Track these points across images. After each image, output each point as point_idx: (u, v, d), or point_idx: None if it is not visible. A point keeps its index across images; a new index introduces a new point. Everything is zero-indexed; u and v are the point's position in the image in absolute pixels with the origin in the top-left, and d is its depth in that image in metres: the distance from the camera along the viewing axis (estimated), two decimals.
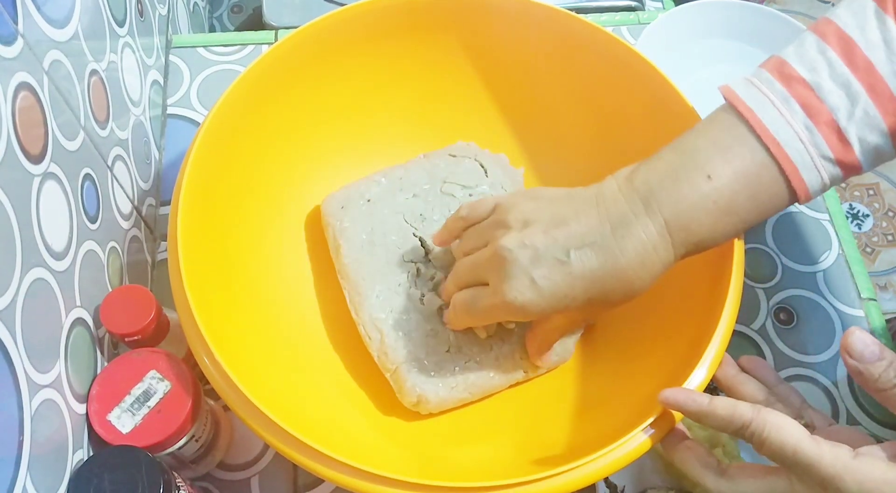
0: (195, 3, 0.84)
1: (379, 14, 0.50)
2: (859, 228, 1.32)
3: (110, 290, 0.44)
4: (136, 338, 0.41)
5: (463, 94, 0.55)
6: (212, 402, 0.46)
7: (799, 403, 0.39)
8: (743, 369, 0.41)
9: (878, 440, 0.51)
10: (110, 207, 0.46)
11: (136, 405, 0.39)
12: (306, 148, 0.52)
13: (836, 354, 0.54)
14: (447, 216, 0.50)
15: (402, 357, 0.44)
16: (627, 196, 0.37)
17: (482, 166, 0.52)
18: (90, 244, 0.42)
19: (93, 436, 0.39)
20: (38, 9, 0.39)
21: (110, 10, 0.51)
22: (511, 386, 0.47)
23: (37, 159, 0.36)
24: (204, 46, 0.65)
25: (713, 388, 0.50)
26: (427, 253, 0.48)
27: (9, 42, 0.35)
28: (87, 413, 0.39)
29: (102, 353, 0.42)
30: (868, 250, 1.30)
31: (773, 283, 0.57)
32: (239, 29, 0.95)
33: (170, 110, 0.62)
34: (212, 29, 0.93)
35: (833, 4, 1.55)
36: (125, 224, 0.49)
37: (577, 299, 0.37)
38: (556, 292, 0.37)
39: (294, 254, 0.51)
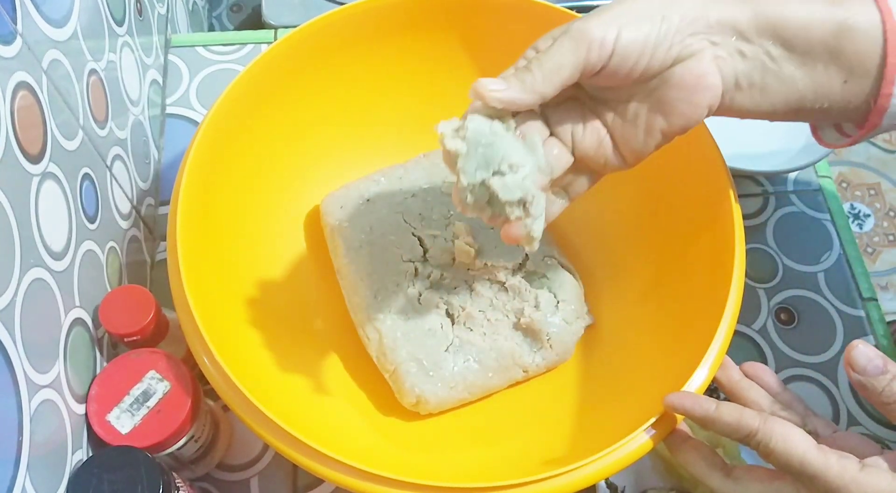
0: (194, 2, 0.84)
1: (379, 13, 0.50)
2: (860, 229, 1.32)
3: (109, 290, 0.44)
4: (135, 338, 0.41)
5: (463, 94, 0.54)
6: (211, 402, 0.46)
7: (802, 410, 0.39)
8: (746, 375, 0.41)
9: (877, 440, 0.51)
10: (109, 207, 0.46)
11: (135, 406, 0.39)
12: (306, 147, 0.52)
13: (837, 354, 0.54)
14: (446, 216, 0.50)
15: (400, 357, 0.44)
16: None
17: None
18: (89, 244, 0.42)
19: (92, 436, 0.39)
20: (37, 8, 0.39)
21: (109, 9, 0.50)
22: (510, 386, 0.47)
23: (36, 159, 0.36)
24: (203, 46, 0.65)
25: (713, 389, 0.50)
26: (425, 253, 0.48)
27: (8, 41, 0.35)
28: (86, 414, 0.39)
29: (102, 353, 0.42)
30: (869, 250, 1.30)
31: (773, 283, 0.57)
32: (238, 28, 0.95)
33: (169, 110, 0.62)
34: (211, 28, 0.93)
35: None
36: (124, 224, 0.49)
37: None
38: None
39: (293, 254, 0.51)
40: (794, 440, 0.32)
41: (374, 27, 0.50)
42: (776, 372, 0.53)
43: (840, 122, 0.38)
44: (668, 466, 0.48)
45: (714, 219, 0.42)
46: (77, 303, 0.39)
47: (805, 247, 0.58)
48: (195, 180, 0.42)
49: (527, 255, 0.49)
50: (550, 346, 0.46)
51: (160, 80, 0.62)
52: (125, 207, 0.50)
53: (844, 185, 1.36)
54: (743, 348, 0.54)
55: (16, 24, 0.36)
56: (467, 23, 0.52)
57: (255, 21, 0.88)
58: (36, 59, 0.38)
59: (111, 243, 0.46)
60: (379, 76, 0.53)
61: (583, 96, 0.37)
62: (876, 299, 0.57)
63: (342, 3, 0.51)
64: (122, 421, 0.38)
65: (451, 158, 0.33)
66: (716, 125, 0.46)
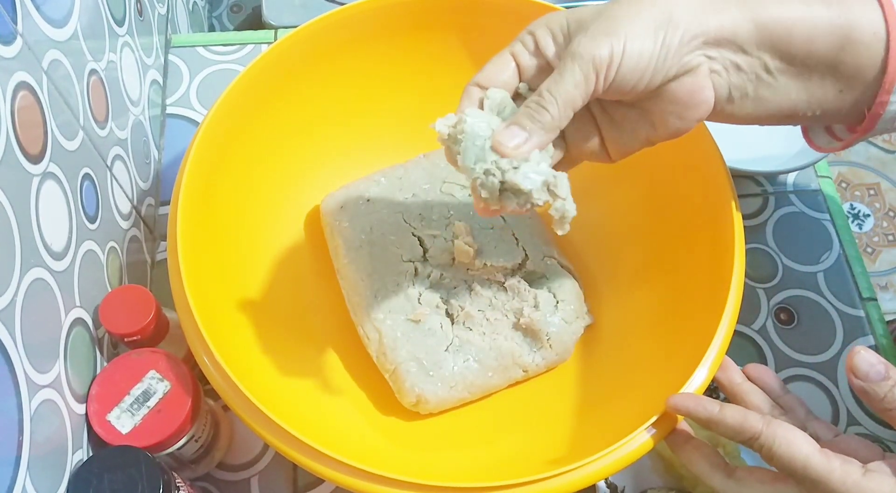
0: (194, 2, 0.84)
1: (379, 13, 0.50)
2: (860, 229, 1.32)
3: (110, 290, 0.44)
4: (135, 338, 0.41)
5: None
6: (211, 402, 0.46)
7: (804, 413, 0.39)
8: (748, 378, 0.41)
9: (877, 441, 0.51)
10: (109, 207, 0.46)
11: (135, 406, 0.39)
12: (306, 147, 0.52)
13: (837, 354, 0.54)
14: (446, 216, 0.50)
15: (400, 357, 0.44)
16: None
17: None
18: (89, 244, 0.42)
19: (92, 436, 0.39)
20: (38, 8, 0.39)
21: (109, 9, 0.50)
22: (510, 386, 0.47)
23: (36, 159, 0.36)
24: (203, 46, 0.65)
25: (713, 388, 0.50)
26: (425, 253, 0.48)
27: (8, 42, 0.35)
28: (86, 413, 0.39)
29: (102, 353, 0.42)
30: (869, 250, 1.30)
31: (773, 283, 0.57)
32: (238, 28, 0.95)
33: (169, 110, 0.62)
34: (211, 28, 0.93)
35: None
36: (124, 224, 0.49)
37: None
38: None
39: (293, 254, 0.51)
40: (797, 444, 0.32)
41: (374, 27, 0.50)
42: (776, 372, 0.53)
43: (831, 124, 0.38)
44: (667, 466, 0.48)
45: (714, 219, 0.42)
46: (77, 303, 0.39)
47: (805, 247, 0.58)
48: (195, 180, 0.42)
49: (526, 255, 0.49)
50: (550, 346, 0.46)
51: (160, 80, 0.62)
52: (125, 207, 0.50)
53: (844, 185, 1.36)
54: (743, 347, 0.54)
55: (16, 24, 0.36)
56: (467, 23, 0.52)
57: (255, 21, 0.88)
58: (36, 59, 0.38)
59: (111, 243, 0.46)
60: (379, 76, 0.53)
61: None
62: (875, 299, 0.57)
63: (342, 4, 0.51)
64: (123, 421, 0.38)
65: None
66: (716, 126, 0.46)
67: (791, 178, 0.61)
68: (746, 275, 0.56)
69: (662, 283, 0.47)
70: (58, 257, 0.38)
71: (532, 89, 0.35)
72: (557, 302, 0.47)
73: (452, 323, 0.47)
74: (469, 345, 0.45)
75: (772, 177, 0.61)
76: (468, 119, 0.33)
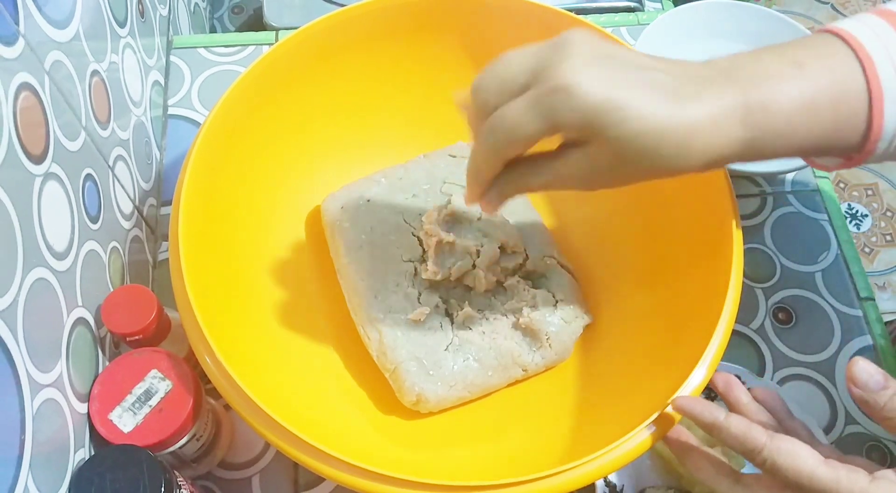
0: (196, 3, 0.84)
1: (379, 14, 0.50)
2: (858, 229, 1.32)
3: (112, 290, 0.44)
4: (137, 337, 0.41)
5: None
6: (213, 401, 0.46)
7: (808, 438, 0.39)
8: (756, 399, 0.41)
9: (876, 440, 0.51)
10: (111, 208, 0.47)
11: (137, 405, 0.39)
12: (306, 148, 0.52)
13: (835, 353, 0.54)
14: None
15: (400, 357, 0.45)
16: (706, 66, 0.34)
17: None
18: (91, 244, 0.42)
19: (94, 435, 0.39)
20: (40, 9, 0.39)
21: (111, 10, 0.51)
22: (510, 385, 0.47)
23: (38, 160, 0.36)
24: (205, 47, 0.66)
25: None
26: (425, 253, 0.49)
27: (10, 42, 0.35)
28: (88, 413, 0.39)
29: (104, 352, 0.43)
30: (867, 249, 1.30)
31: (771, 283, 0.57)
32: (239, 30, 0.95)
33: (171, 111, 0.62)
34: (212, 30, 0.93)
35: (832, 6, 1.55)
36: (126, 224, 0.49)
37: (627, 122, 0.31)
38: (616, 94, 0.30)
39: (294, 254, 0.51)
40: (802, 456, 0.32)
41: (374, 29, 0.50)
42: (774, 372, 0.53)
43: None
44: (666, 465, 0.48)
45: (712, 219, 0.43)
46: (79, 303, 0.40)
47: (803, 247, 0.58)
48: (197, 181, 0.42)
49: (526, 254, 0.49)
50: (549, 345, 0.46)
51: (162, 81, 0.62)
52: (127, 207, 0.50)
53: (842, 185, 1.36)
54: (741, 347, 0.54)
55: (18, 25, 0.36)
56: (467, 24, 0.52)
57: (256, 23, 0.88)
58: (38, 60, 0.38)
59: (113, 243, 0.46)
60: (379, 77, 0.53)
61: None
62: (873, 299, 0.57)
63: (343, 5, 0.51)
64: (125, 420, 0.39)
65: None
66: None
67: (789, 178, 0.62)
68: (745, 275, 0.56)
69: (661, 282, 0.47)
70: (60, 256, 0.38)
71: None
72: (557, 301, 0.47)
73: (452, 323, 0.47)
74: (469, 344, 0.46)
75: (770, 177, 0.61)
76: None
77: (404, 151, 0.54)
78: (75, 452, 0.37)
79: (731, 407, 0.41)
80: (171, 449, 0.40)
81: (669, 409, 0.36)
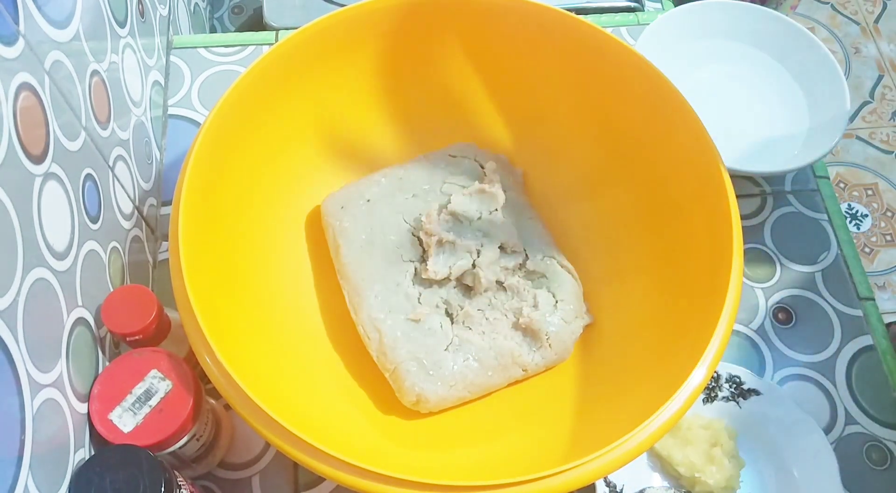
0: (196, 3, 0.84)
1: (379, 15, 0.50)
2: (858, 229, 1.32)
3: (112, 290, 0.44)
4: (137, 337, 0.41)
5: (463, 94, 0.55)
6: (213, 401, 0.46)
7: None
8: None
9: (875, 439, 0.51)
10: (111, 208, 0.47)
11: (137, 405, 0.39)
12: (306, 148, 0.52)
13: (835, 353, 0.54)
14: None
15: (400, 357, 0.45)
16: None
17: (482, 166, 0.52)
18: (91, 244, 0.42)
19: (94, 435, 0.39)
20: (40, 9, 0.39)
21: (111, 10, 0.51)
22: (510, 385, 0.47)
23: (38, 159, 0.36)
24: (205, 47, 0.66)
25: (710, 387, 0.51)
26: (425, 252, 0.49)
27: (10, 42, 0.35)
28: (88, 413, 0.39)
29: (104, 352, 0.43)
30: (867, 250, 1.30)
31: (771, 282, 0.57)
32: (239, 30, 0.95)
33: (171, 111, 0.62)
34: (212, 30, 0.93)
35: (832, 6, 1.55)
36: (126, 224, 0.49)
37: None
38: None
39: (294, 254, 0.51)
40: None
41: (374, 28, 0.50)
42: (774, 372, 0.53)
43: None
44: (665, 465, 0.48)
45: (712, 219, 0.43)
46: (79, 303, 0.40)
47: (803, 247, 0.58)
48: (197, 181, 0.42)
49: (526, 254, 0.49)
50: (549, 345, 0.46)
51: (162, 81, 0.62)
52: (127, 207, 0.50)
53: (842, 185, 1.36)
54: (741, 347, 0.54)
55: (18, 25, 0.36)
56: (467, 24, 0.52)
57: (256, 23, 0.88)
58: (38, 60, 0.38)
59: (113, 243, 0.46)
60: (379, 77, 0.53)
61: None
62: (873, 299, 0.57)
63: (343, 5, 0.51)
64: (125, 420, 0.39)
65: None
66: (714, 127, 0.46)
67: (789, 178, 0.62)
68: (745, 275, 0.56)
69: (661, 282, 0.47)
70: (60, 256, 0.38)
71: None
72: (557, 302, 0.47)
73: (452, 322, 0.47)
74: (469, 344, 0.46)
75: (770, 177, 0.61)
76: None
77: (404, 151, 0.54)
78: (75, 452, 0.37)
79: None
80: (171, 449, 0.40)
81: (669, 409, 0.36)
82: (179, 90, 0.63)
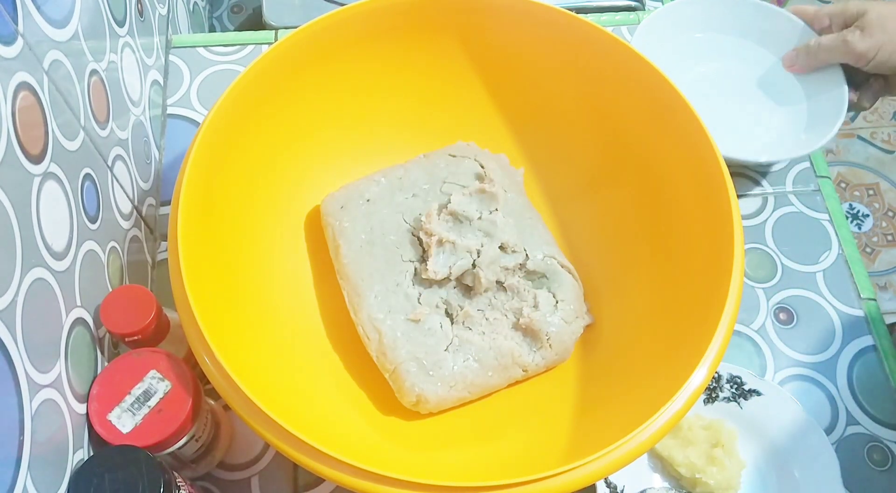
0: (195, 3, 0.84)
1: (379, 14, 0.50)
2: (859, 228, 1.32)
3: (110, 290, 0.44)
4: (136, 338, 0.41)
5: (463, 94, 0.55)
6: (212, 402, 0.46)
7: None
8: None
9: (876, 440, 0.51)
10: (110, 207, 0.47)
11: (136, 405, 0.39)
12: (306, 148, 0.52)
13: (836, 354, 0.54)
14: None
15: (400, 357, 0.44)
16: None
17: (482, 166, 0.52)
18: (90, 244, 0.42)
19: (93, 436, 0.39)
20: (38, 9, 0.39)
21: (110, 10, 0.51)
22: (510, 385, 0.47)
23: (37, 159, 0.36)
24: (204, 46, 0.65)
25: (712, 387, 0.51)
26: (425, 252, 0.48)
27: (9, 42, 0.35)
28: (87, 413, 0.39)
29: (103, 353, 0.42)
30: (868, 250, 1.30)
31: (773, 283, 0.57)
32: (239, 29, 0.95)
33: (170, 110, 0.62)
34: (212, 29, 0.93)
35: (832, 3, 1.55)
36: (125, 224, 0.49)
37: None
38: None
39: (294, 254, 0.51)
40: None
41: (374, 28, 0.50)
42: (775, 372, 0.53)
43: None
44: (666, 465, 0.48)
45: (713, 219, 0.43)
46: (78, 303, 0.40)
47: (804, 247, 0.58)
48: (196, 181, 0.42)
49: (526, 254, 0.49)
50: (550, 345, 0.46)
51: (161, 80, 0.62)
52: (126, 207, 0.50)
53: (843, 185, 1.36)
54: (742, 347, 0.54)
55: (17, 24, 0.36)
56: (467, 23, 0.52)
57: (255, 22, 0.88)
58: (37, 59, 0.38)
59: (112, 243, 0.46)
60: (379, 77, 0.53)
61: None
62: (875, 299, 0.57)
63: (342, 4, 0.51)
64: (123, 421, 0.38)
65: None
66: (712, 117, 0.46)
67: (790, 178, 0.62)
68: (746, 275, 0.56)
69: (661, 282, 0.47)
70: (59, 256, 0.38)
71: None
72: (557, 302, 0.47)
73: (452, 323, 0.47)
74: (469, 344, 0.46)
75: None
76: None
77: (404, 151, 0.54)
78: (74, 452, 0.37)
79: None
80: (171, 450, 0.40)
81: (669, 410, 0.36)
82: (178, 90, 0.63)
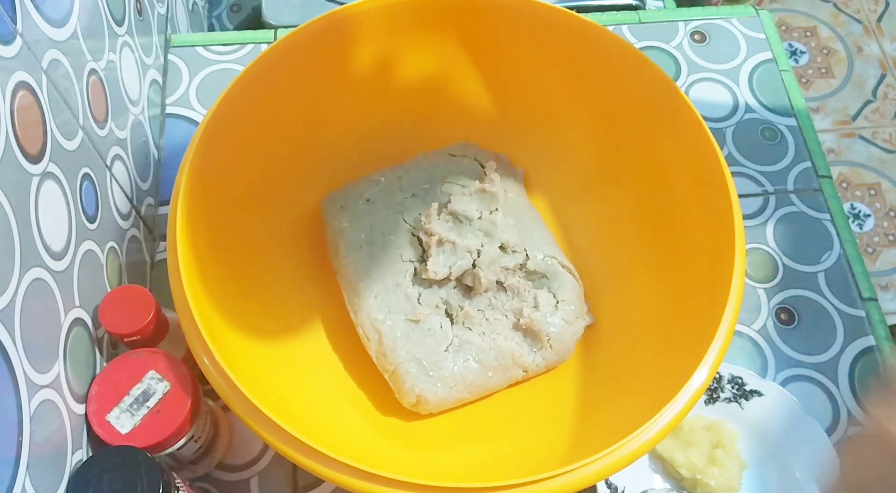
0: (194, 2, 0.84)
1: (378, 13, 0.50)
2: (860, 228, 1.32)
3: (109, 290, 0.44)
4: (135, 338, 0.41)
5: (463, 94, 0.55)
6: (211, 402, 0.46)
7: None
8: None
9: None
10: (109, 207, 0.46)
11: (135, 406, 0.39)
12: (305, 147, 0.52)
13: (838, 354, 0.54)
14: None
15: (400, 358, 0.44)
16: None
17: (482, 166, 0.52)
18: (89, 244, 0.42)
19: (92, 436, 0.39)
20: (37, 8, 0.39)
21: (109, 9, 0.50)
22: (510, 386, 0.47)
23: (35, 159, 0.36)
24: (203, 45, 0.65)
25: (713, 388, 0.51)
26: (425, 252, 0.48)
27: (7, 41, 0.35)
28: (86, 414, 0.39)
29: (101, 353, 0.42)
30: (869, 250, 1.30)
31: (774, 283, 0.56)
32: (238, 28, 0.95)
33: (169, 110, 0.62)
34: (211, 28, 0.93)
35: (834, 4, 1.55)
36: (124, 224, 0.49)
37: None
38: None
39: (293, 254, 0.51)
40: None
41: (374, 27, 0.50)
42: (776, 372, 0.53)
43: None
44: (667, 466, 0.48)
45: (714, 219, 0.42)
46: (77, 303, 0.39)
47: (805, 247, 0.58)
48: (195, 180, 0.42)
49: (527, 254, 0.49)
50: (550, 346, 0.46)
51: (160, 79, 0.62)
52: (125, 207, 0.50)
53: (844, 185, 1.36)
54: (743, 348, 0.54)
55: (15, 23, 0.36)
56: (467, 23, 0.52)
57: (254, 21, 0.88)
58: (36, 58, 0.38)
59: (111, 243, 0.46)
60: (379, 76, 0.53)
61: None
62: (876, 299, 0.57)
63: (342, 3, 0.51)
64: (122, 421, 0.38)
65: None
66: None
67: (791, 177, 0.61)
68: (747, 275, 0.56)
69: (663, 283, 0.47)
70: (57, 257, 0.38)
71: None
72: (557, 302, 0.47)
73: (452, 323, 0.46)
74: (469, 345, 0.45)
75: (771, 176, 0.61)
76: None
77: (404, 151, 0.53)
78: (73, 453, 0.36)
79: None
80: (170, 451, 0.40)
81: (670, 411, 0.36)
82: (177, 89, 0.63)
